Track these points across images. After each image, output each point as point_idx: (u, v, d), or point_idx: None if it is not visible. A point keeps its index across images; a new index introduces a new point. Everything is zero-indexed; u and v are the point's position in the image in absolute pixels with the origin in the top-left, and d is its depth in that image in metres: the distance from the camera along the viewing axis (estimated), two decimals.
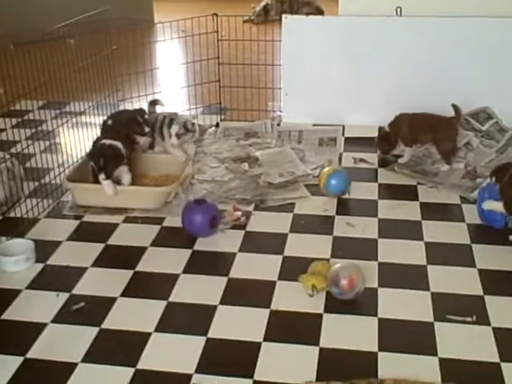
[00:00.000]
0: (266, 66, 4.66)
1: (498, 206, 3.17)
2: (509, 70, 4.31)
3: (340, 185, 3.56)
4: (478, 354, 2.45)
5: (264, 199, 3.58)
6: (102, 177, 3.40)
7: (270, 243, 3.19)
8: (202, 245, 3.19)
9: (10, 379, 2.37)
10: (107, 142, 3.52)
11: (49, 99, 4.61)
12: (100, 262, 3.08)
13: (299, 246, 3.17)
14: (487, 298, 2.75)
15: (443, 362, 2.40)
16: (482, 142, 4.11)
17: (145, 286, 2.90)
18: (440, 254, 3.08)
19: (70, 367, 2.42)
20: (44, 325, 2.64)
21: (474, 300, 2.75)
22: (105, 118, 3.93)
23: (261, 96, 4.71)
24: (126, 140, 3.61)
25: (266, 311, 2.70)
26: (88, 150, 3.72)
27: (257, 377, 2.36)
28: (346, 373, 2.34)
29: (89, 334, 2.59)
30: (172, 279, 2.92)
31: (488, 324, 2.60)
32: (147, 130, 3.73)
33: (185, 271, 2.98)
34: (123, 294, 2.83)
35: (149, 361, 2.45)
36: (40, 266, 3.04)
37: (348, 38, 4.43)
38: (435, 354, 2.45)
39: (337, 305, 2.72)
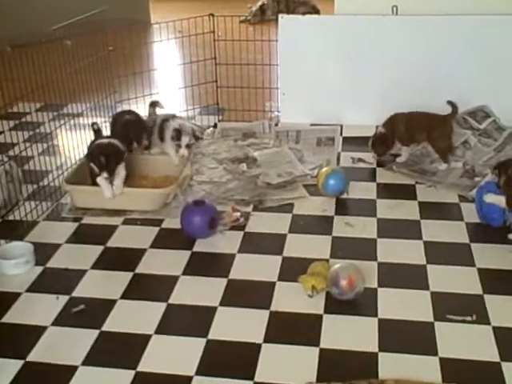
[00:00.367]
0: (263, 66, 4.66)
1: (499, 200, 3.17)
2: (505, 68, 4.31)
3: (338, 185, 3.56)
4: (478, 354, 2.45)
5: (262, 200, 3.58)
6: (103, 176, 3.39)
7: (269, 244, 3.19)
8: (201, 246, 3.19)
9: (10, 382, 2.37)
10: (105, 140, 3.52)
11: (46, 101, 4.61)
12: (99, 264, 3.07)
13: (298, 246, 3.17)
14: (487, 297, 2.76)
15: (443, 362, 2.41)
16: (479, 140, 4.12)
17: (144, 288, 2.90)
18: (439, 253, 3.08)
19: (71, 370, 2.42)
20: (44, 328, 2.64)
21: (474, 299, 2.75)
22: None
23: (258, 96, 4.71)
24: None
25: (266, 312, 2.70)
26: (86, 151, 3.71)
27: (257, 378, 2.36)
28: (346, 373, 2.35)
29: (89, 336, 2.59)
30: (171, 281, 2.92)
31: (488, 323, 2.60)
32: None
33: (184, 273, 2.98)
34: (123, 296, 2.83)
35: (149, 363, 2.45)
36: (39, 268, 3.04)
37: (344, 37, 4.43)
38: (435, 353, 2.45)
39: (337, 305, 2.73)
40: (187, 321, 2.69)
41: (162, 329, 2.63)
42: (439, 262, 3.01)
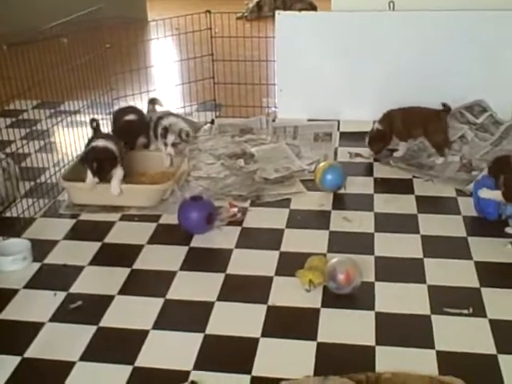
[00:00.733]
0: (260, 63, 4.66)
1: (493, 194, 3.16)
2: (502, 63, 4.31)
3: (336, 179, 3.56)
4: (474, 346, 2.45)
5: (260, 195, 3.58)
6: (95, 180, 3.38)
7: (267, 239, 3.19)
8: (198, 242, 3.19)
9: (8, 379, 2.37)
10: (100, 143, 3.47)
11: (43, 99, 4.60)
12: (97, 260, 3.08)
13: (296, 241, 3.17)
14: (483, 290, 2.76)
15: (440, 355, 2.41)
16: (476, 134, 4.12)
17: (142, 284, 2.90)
18: (436, 246, 3.09)
19: (69, 366, 2.42)
20: (42, 324, 2.64)
21: (471, 292, 2.76)
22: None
23: (255, 92, 4.71)
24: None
25: (264, 307, 2.70)
26: (81, 153, 3.69)
27: (255, 372, 2.36)
28: (343, 367, 2.34)
29: (86, 332, 2.59)
30: (169, 276, 2.92)
31: (485, 316, 2.61)
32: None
33: (182, 268, 2.98)
34: (120, 292, 2.83)
35: (147, 358, 2.45)
36: (37, 265, 3.04)
37: (341, 33, 4.43)
38: (432, 346, 2.45)
39: (334, 299, 2.73)
40: (185, 316, 2.69)
41: (159, 324, 2.63)
42: (436, 256, 3.01)
